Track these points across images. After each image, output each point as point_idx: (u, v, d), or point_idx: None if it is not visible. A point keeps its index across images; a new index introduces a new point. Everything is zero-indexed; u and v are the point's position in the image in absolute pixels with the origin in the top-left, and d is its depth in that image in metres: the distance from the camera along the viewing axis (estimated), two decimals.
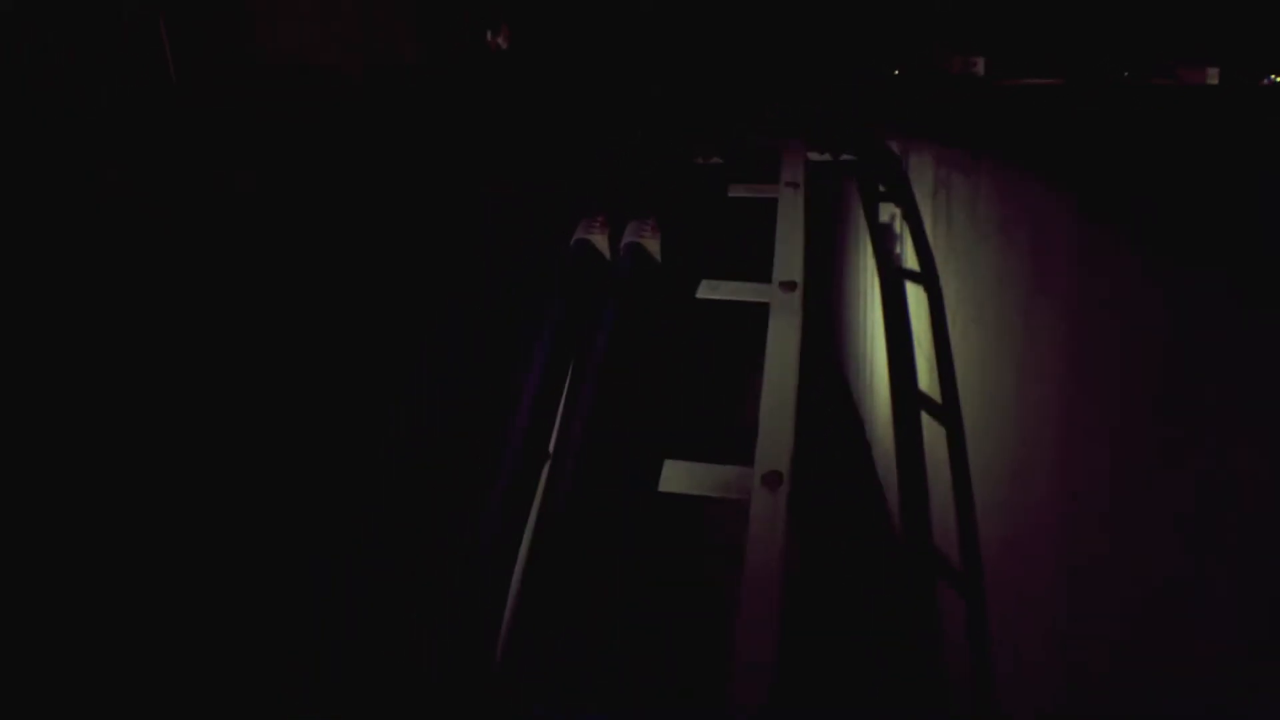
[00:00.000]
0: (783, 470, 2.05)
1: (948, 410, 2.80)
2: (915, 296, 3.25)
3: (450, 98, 3.74)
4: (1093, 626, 1.77)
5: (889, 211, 3.60)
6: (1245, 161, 1.33)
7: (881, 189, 3.59)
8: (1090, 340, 1.75)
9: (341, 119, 3.30)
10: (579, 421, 2.32)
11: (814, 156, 3.44)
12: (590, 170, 4.01)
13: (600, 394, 2.35)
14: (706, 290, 2.59)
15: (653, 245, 2.87)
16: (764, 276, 2.59)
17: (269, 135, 3.14)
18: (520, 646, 2.07)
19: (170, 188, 2.88)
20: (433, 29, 3.61)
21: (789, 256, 2.57)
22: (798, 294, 2.45)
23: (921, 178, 3.15)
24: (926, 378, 3.09)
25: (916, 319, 3.27)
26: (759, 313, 2.49)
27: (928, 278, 3.05)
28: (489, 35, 3.72)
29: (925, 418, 3.08)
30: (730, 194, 3.01)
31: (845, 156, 3.53)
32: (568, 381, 2.63)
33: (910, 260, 3.27)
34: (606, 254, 2.93)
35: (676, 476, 2.11)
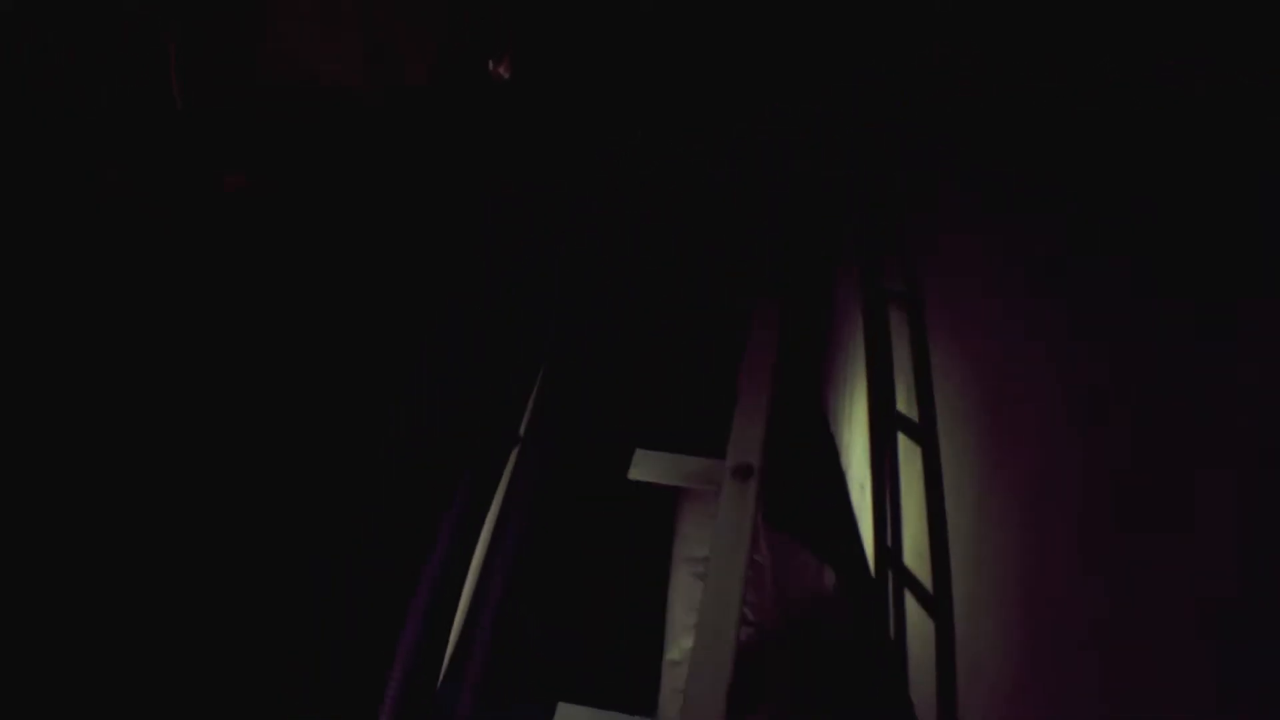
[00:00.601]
0: None
1: (925, 428, 2.72)
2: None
3: (455, 116, 3.74)
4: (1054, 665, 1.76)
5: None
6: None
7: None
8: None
9: (346, 131, 3.30)
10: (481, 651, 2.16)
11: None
12: (591, 171, 4.02)
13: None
14: (641, 469, 2.22)
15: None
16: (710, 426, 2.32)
17: (271, 143, 3.14)
18: None
19: (170, 188, 2.88)
20: (438, 52, 3.61)
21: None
22: (753, 484, 2.06)
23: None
24: (904, 401, 3.01)
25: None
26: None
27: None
28: (491, 65, 3.73)
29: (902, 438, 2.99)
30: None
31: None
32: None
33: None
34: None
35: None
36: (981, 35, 2.41)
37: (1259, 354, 1.18)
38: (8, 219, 2.60)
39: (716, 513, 2.09)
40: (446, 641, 2.49)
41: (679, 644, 2.69)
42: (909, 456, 2.84)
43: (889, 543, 3.05)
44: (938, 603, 2.49)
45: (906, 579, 2.82)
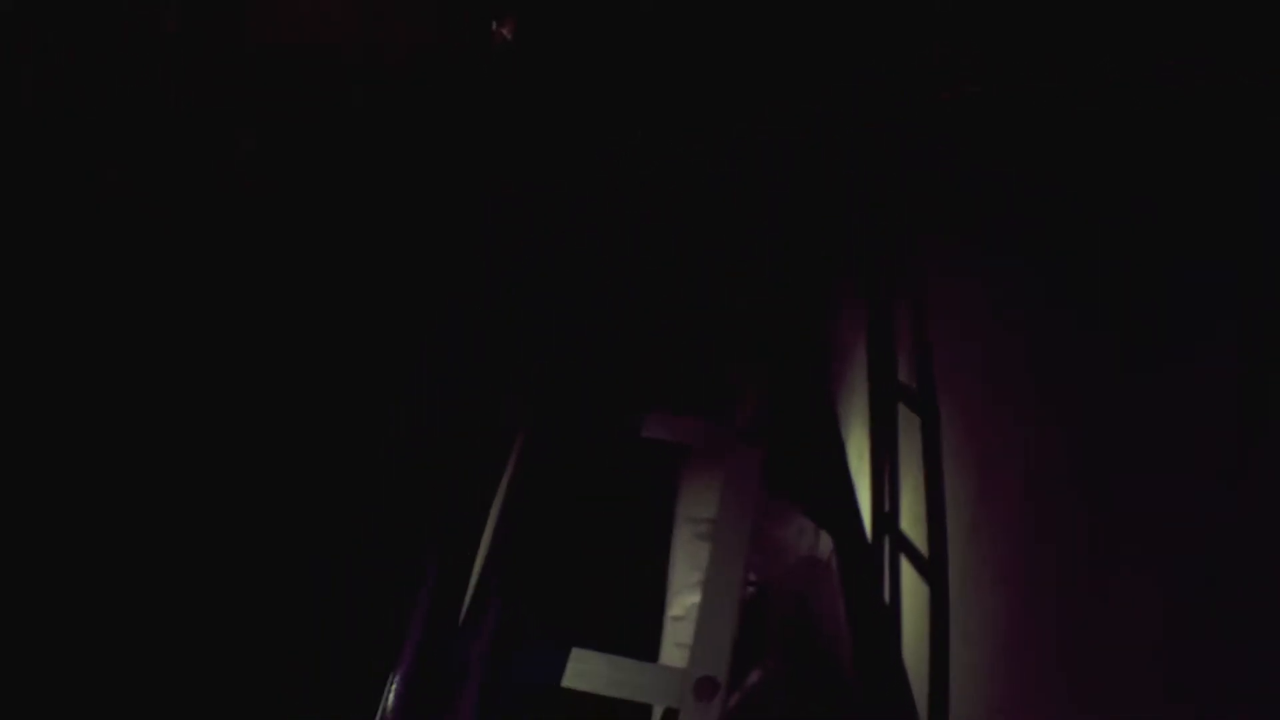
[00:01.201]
0: None
1: (924, 398, 2.73)
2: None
3: (456, 89, 3.73)
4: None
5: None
6: None
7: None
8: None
9: (343, 107, 3.29)
10: None
11: None
12: (590, 171, 4.02)
13: None
14: (654, 428, 2.05)
15: None
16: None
17: (263, 129, 3.14)
18: None
19: (170, 188, 2.88)
20: (436, 16, 3.60)
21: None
22: (759, 449, 2.00)
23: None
24: (904, 373, 3.01)
25: None
26: None
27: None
28: (495, 26, 3.71)
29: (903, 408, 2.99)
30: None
31: None
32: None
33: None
34: None
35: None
36: (981, 35, 2.42)
37: None
38: (8, 219, 2.60)
39: (723, 475, 2.13)
40: (462, 596, 2.47)
41: (681, 600, 2.73)
42: (908, 426, 2.86)
43: (886, 508, 3.08)
44: (933, 569, 2.51)
45: (903, 545, 2.85)
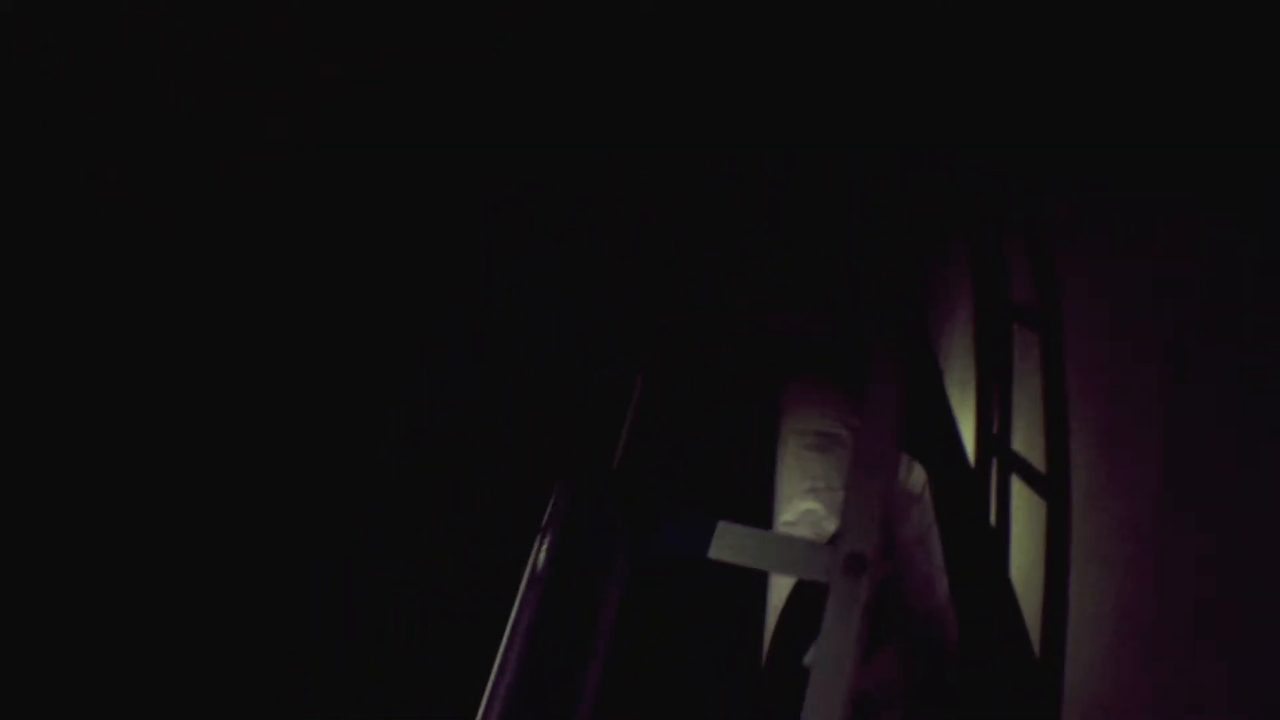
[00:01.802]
0: None
1: (1046, 312, 2.51)
2: None
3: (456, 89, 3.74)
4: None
5: None
6: None
7: None
8: None
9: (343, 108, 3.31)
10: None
11: None
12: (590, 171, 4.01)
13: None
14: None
15: None
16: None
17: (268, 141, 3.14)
18: None
19: (170, 188, 2.88)
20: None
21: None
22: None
23: None
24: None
25: None
26: None
27: None
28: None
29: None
30: None
31: None
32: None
33: None
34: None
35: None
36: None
37: None
38: (8, 219, 2.60)
39: (870, 363, 2.13)
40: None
41: (794, 506, 2.76)
42: (1024, 350, 2.70)
43: (995, 430, 2.93)
44: (1052, 484, 2.33)
45: (1015, 464, 2.67)
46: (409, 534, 2.69)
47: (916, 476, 3.03)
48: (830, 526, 2.86)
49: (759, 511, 3.01)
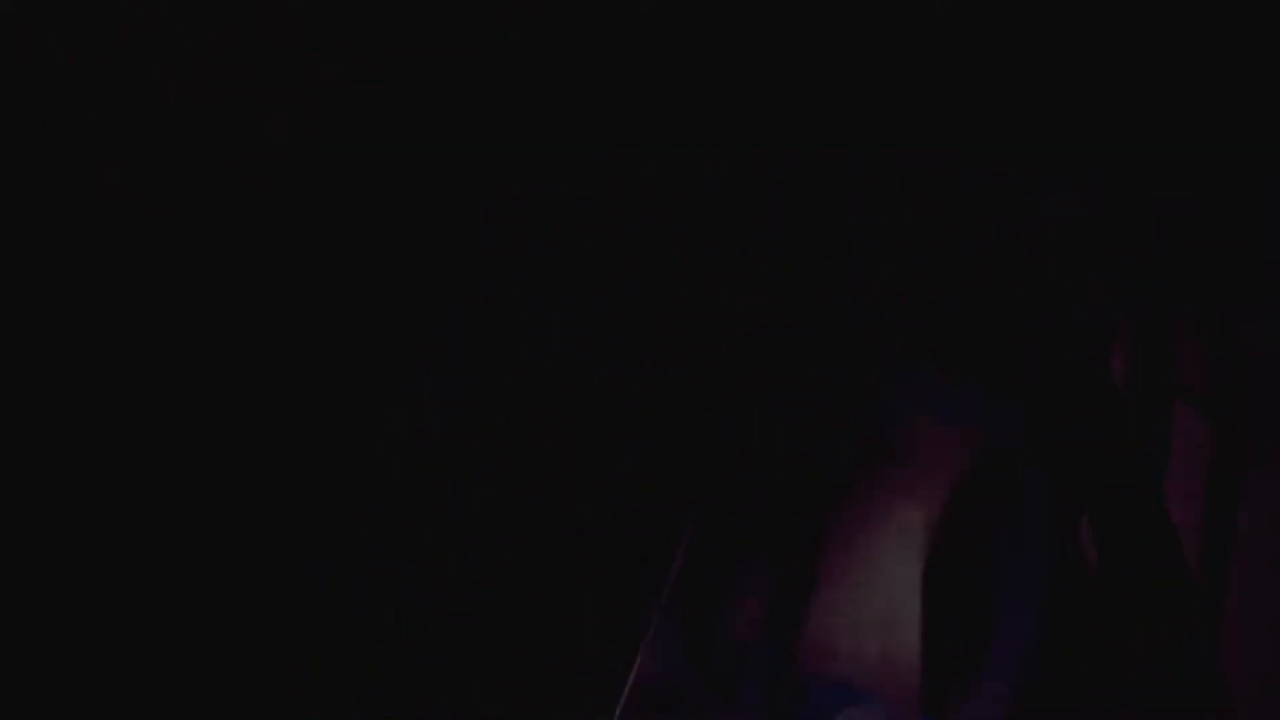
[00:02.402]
0: None
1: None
2: None
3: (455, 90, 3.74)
4: None
5: None
6: None
7: None
8: None
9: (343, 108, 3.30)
10: None
11: None
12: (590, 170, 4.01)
13: None
14: None
15: None
16: None
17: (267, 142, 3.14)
18: None
19: (170, 188, 2.88)
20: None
21: None
22: None
23: None
24: None
25: None
26: None
27: None
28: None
29: None
30: None
31: None
32: None
33: None
34: None
35: None
36: None
37: None
38: (8, 219, 2.60)
39: None
40: None
41: None
42: None
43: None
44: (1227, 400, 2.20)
45: (1177, 389, 2.55)
46: (409, 534, 2.69)
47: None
48: None
49: None
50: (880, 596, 2.69)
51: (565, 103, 4.19)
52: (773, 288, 4.05)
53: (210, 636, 2.41)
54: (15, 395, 2.52)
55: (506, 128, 4.04)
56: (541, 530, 3.01)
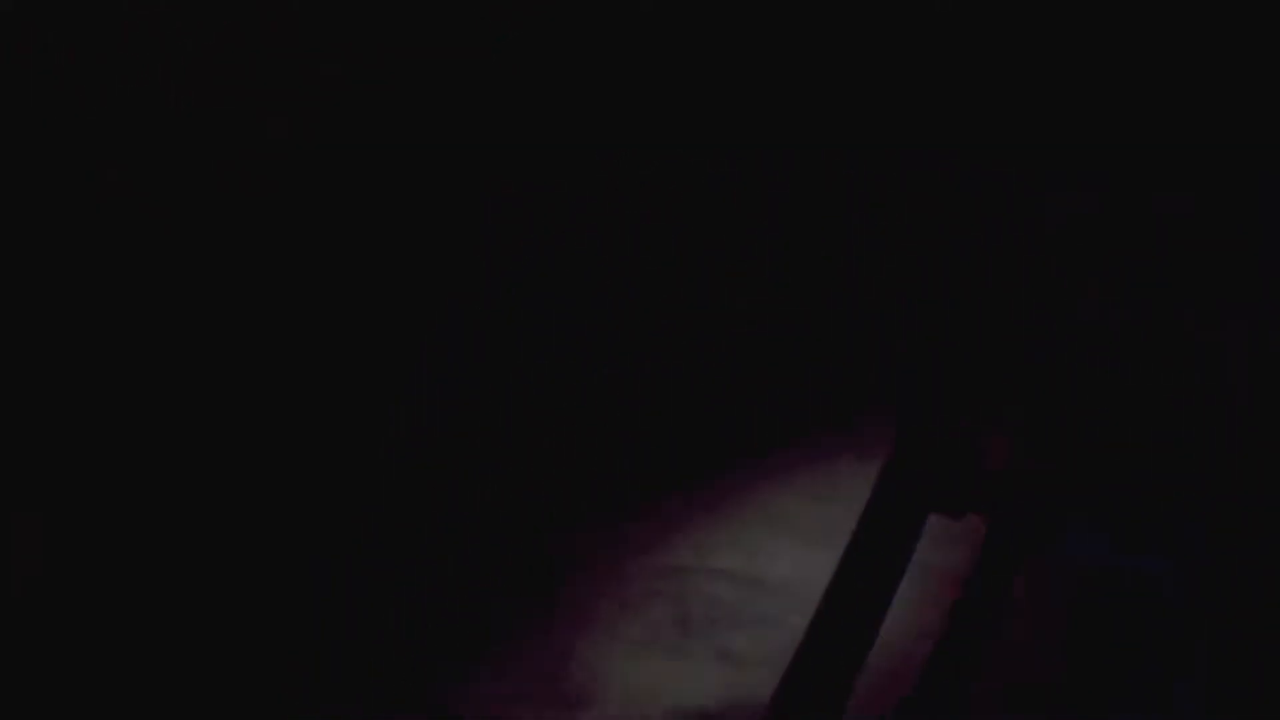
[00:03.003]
0: None
1: None
2: None
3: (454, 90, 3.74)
4: None
5: None
6: None
7: None
8: None
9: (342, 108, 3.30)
10: None
11: None
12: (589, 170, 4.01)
13: None
14: None
15: None
16: None
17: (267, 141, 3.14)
18: None
19: (170, 188, 2.88)
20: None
21: None
22: None
23: None
24: None
25: None
26: None
27: None
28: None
29: None
30: None
31: None
32: None
33: None
34: None
35: None
36: None
37: None
38: (8, 219, 2.60)
39: None
40: None
41: None
42: None
43: None
44: None
45: None
46: (409, 534, 2.69)
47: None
48: None
49: None
50: None
51: (565, 103, 4.19)
52: (773, 288, 4.05)
53: (210, 636, 2.41)
54: (16, 394, 2.52)
55: (506, 128, 4.03)
56: (541, 530, 3.01)
